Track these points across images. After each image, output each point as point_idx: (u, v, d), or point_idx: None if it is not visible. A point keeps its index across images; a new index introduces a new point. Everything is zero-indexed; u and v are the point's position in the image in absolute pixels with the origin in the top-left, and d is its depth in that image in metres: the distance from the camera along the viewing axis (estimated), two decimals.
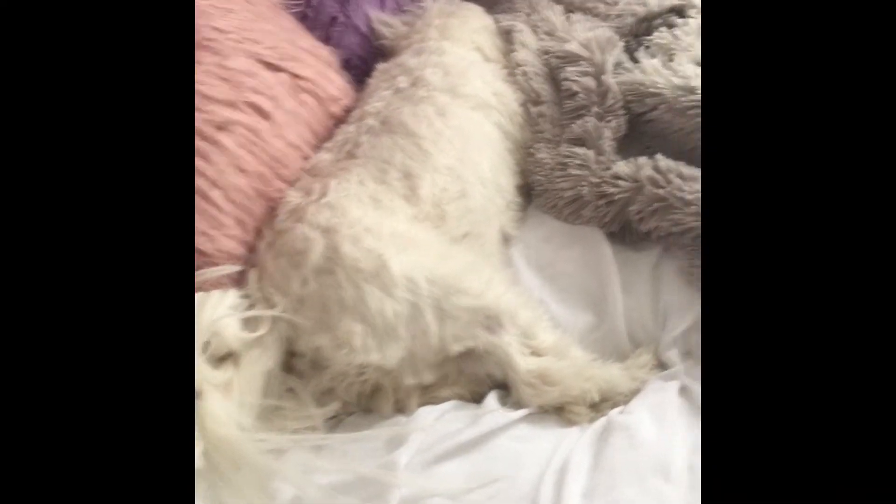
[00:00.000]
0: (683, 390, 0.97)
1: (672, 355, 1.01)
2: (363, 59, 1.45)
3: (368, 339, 0.95)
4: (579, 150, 1.20)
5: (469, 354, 0.99)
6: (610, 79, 1.25)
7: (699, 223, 1.06)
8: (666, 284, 1.08)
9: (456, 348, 0.98)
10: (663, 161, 1.12)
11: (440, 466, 0.88)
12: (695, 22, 1.32)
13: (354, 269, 0.98)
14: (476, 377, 1.01)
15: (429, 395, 0.99)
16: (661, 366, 1.02)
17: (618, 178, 1.14)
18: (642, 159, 1.14)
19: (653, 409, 0.92)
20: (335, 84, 1.30)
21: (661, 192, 1.09)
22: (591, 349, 1.04)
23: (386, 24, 1.46)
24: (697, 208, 1.06)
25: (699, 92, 1.15)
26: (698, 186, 1.07)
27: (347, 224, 1.02)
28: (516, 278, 1.13)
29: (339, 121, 1.27)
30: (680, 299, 1.06)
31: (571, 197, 1.18)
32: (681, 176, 1.09)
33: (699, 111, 1.15)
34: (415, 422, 0.94)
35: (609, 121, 1.22)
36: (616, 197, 1.13)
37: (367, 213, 1.05)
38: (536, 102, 1.30)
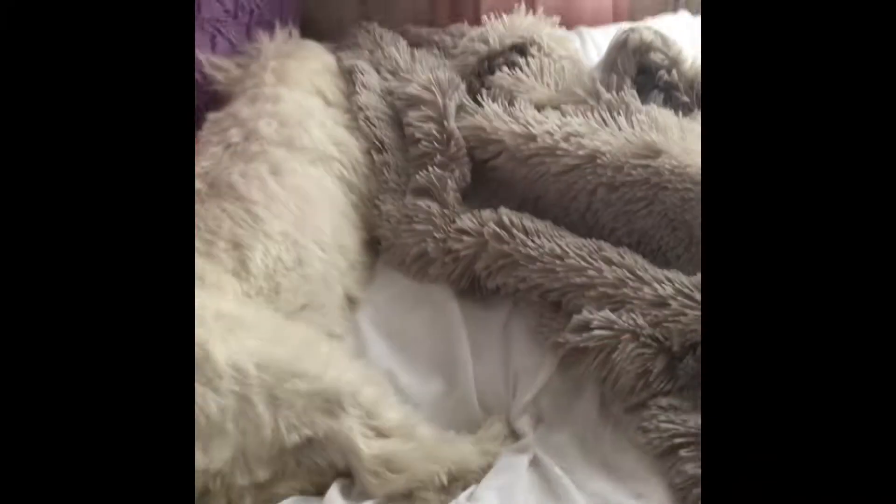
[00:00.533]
0: (534, 462, 0.93)
1: (523, 423, 0.97)
2: (195, 109, 1.34)
3: None
4: (423, 204, 1.14)
5: (308, 444, 0.91)
6: (452, 124, 1.20)
7: (545, 280, 1.03)
8: (516, 346, 1.05)
9: (293, 439, 0.90)
10: (507, 215, 1.08)
11: None
12: (535, 62, 1.29)
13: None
14: (317, 468, 0.93)
15: (265, 493, 0.91)
16: (513, 435, 0.98)
17: (462, 232, 1.09)
18: (486, 213, 1.10)
19: (501, 492, 0.88)
20: None
21: (505, 248, 1.05)
22: (442, 419, 0.99)
23: (217, 67, 1.36)
24: (543, 265, 1.03)
25: (538, 140, 1.12)
26: (543, 241, 1.04)
27: None
28: (363, 347, 1.07)
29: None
30: (530, 362, 1.03)
31: (417, 253, 1.13)
32: (525, 231, 1.06)
33: (541, 159, 1.12)
34: None
35: (453, 170, 1.18)
36: (461, 253, 1.09)
37: None
38: (380, 150, 1.24)
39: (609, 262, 1.01)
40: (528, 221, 1.07)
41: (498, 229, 1.06)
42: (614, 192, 1.07)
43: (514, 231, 1.05)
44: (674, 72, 1.21)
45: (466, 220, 1.10)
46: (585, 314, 0.97)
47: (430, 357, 1.06)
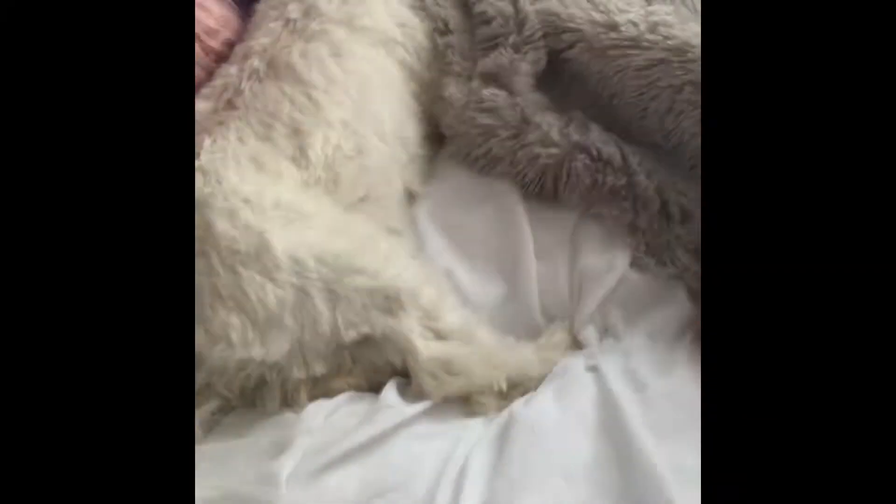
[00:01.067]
0: (592, 369, 0.89)
1: (588, 334, 0.94)
2: None
3: (248, 333, 0.85)
4: (489, 93, 1.06)
5: (365, 341, 0.90)
6: (528, 5, 1.10)
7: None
8: (585, 249, 0.99)
9: (350, 335, 0.88)
10: (597, 145, 1.00)
11: (329, 476, 0.79)
12: None
13: (230, 251, 0.86)
14: (373, 366, 0.91)
15: (320, 387, 0.90)
16: (577, 345, 0.94)
17: (543, 138, 1.01)
18: (571, 130, 1.02)
19: (557, 395, 0.85)
20: (213, 14, 1.12)
21: (597, 179, 0.98)
22: (502, 325, 0.96)
23: None
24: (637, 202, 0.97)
25: (622, 29, 1.02)
26: (636, 178, 0.97)
27: (222, 195, 0.89)
28: (421, 244, 1.02)
29: (221, 58, 1.10)
30: (599, 265, 0.97)
31: (484, 150, 1.06)
32: (614, 168, 0.98)
33: (622, 52, 1.02)
34: (303, 421, 0.85)
35: (526, 52, 1.09)
36: (537, 155, 1.01)
37: (246, 179, 0.92)
38: (444, 32, 1.15)
39: None
40: (619, 154, 0.99)
41: (588, 161, 0.99)
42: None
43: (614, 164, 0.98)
44: None
45: (549, 123, 1.02)
46: None
47: (491, 257, 1.01)
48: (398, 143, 1.05)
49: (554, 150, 1.00)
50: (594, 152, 0.99)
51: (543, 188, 1.03)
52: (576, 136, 1.00)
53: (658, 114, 1.03)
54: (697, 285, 0.92)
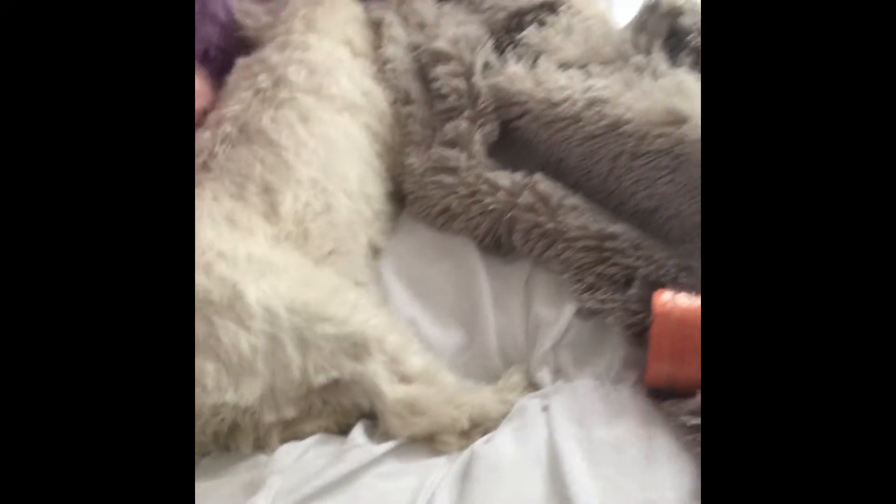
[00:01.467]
0: (546, 409, 0.95)
1: (543, 375, 1.00)
2: (223, 51, 1.34)
3: (223, 378, 0.89)
4: (451, 152, 1.15)
5: (334, 385, 0.95)
6: (480, 81, 1.21)
7: (588, 258, 1.05)
8: (537, 298, 1.07)
9: (320, 380, 0.93)
10: (543, 184, 1.09)
11: None
12: (566, 19, 1.29)
13: (206, 302, 0.91)
14: (342, 408, 0.96)
15: (291, 430, 0.94)
16: (533, 386, 1.01)
17: (494, 186, 1.11)
18: (519, 175, 1.11)
19: (515, 434, 0.91)
20: None
21: (542, 219, 1.07)
22: (463, 370, 1.02)
23: (247, 13, 1.36)
24: (586, 244, 1.04)
25: (562, 107, 1.13)
26: (586, 220, 1.05)
27: (199, 249, 0.94)
28: (386, 296, 1.09)
29: (196, 125, 1.17)
30: (550, 313, 1.05)
31: (442, 207, 1.14)
32: (560, 207, 1.07)
33: (564, 125, 1.13)
34: (274, 462, 0.89)
35: (482, 125, 1.19)
36: (490, 206, 1.10)
37: (221, 235, 0.98)
38: (406, 102, 1.25)
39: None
40: (562, 193, 1.08)
41: (533, 198, 1.07)
42: (637, 160, 1.08)
43: (551, 203, 1.07)
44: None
45: (499, 175, 1.11)
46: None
47: (451, 307, 1.08)
48: (363, 201, 1.13)
49: (502, 196, 1.09)
50: (540, 191, 1.08)
51: (499, 242, 1.11)
52: (524, 181, 1.10)
53: (601, 176, 1.12)
54: (631, 319, 0.99)
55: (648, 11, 1.23)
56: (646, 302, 0.98)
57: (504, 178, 1.11)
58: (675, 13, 1.22)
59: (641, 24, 1.23)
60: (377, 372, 0.94)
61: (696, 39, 1.21)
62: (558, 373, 1.01)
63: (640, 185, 1.09)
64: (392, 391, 0.93)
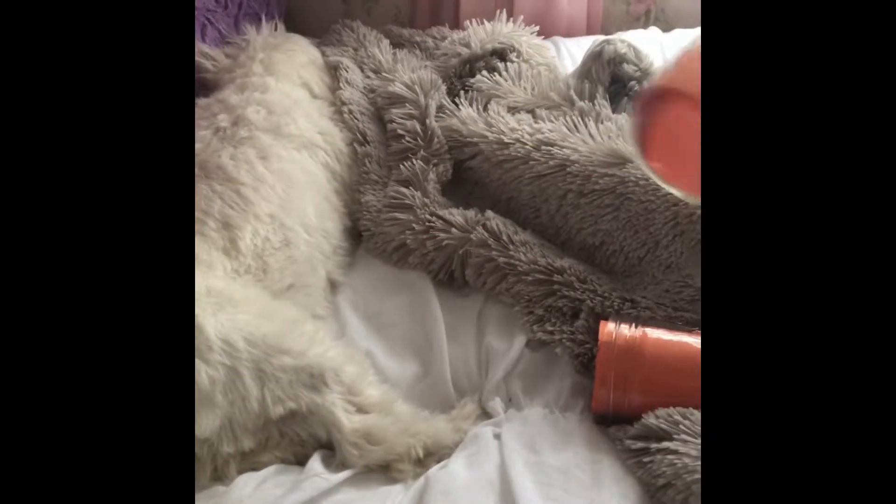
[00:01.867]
0: (498, 436, 0.98)
1: (495, 404, 1.04)
2: None
3: None
4: (406, 191, 1.20)
5: (292, 416, 0.96)
6: (433, 122, 1.26)
7: (536, 291, 1.09)
8: (489, 330, 1.11)
9: (278, 411, 0.95)
10: (494, 221, 1.14)
11: None
12: (514, 67, 1.36)
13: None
14: (299, 439, 0.98)
15: (249, 461, 0.96)
16: (486, 415, 1.04)
17: (447, 223, 1.15)
18: (471, 213, 1.16)
19: (468, 461, 0.94)
20: None
21: (493, 254, 1.11)
22: (418, 400, 1.04)
23: (207, 56, 1.40)
24: (535, 278, 1.09)
25: (512, 148, 1.19)
26: (535, 255, 1.10)
27: None
28: (343, 329, 1.12)
29: None
30: (501, 343, 1.09)
31: (398, 244, 1.18)
32: (511, 241, 1.11)
33: (514, 165, 1.19)
34: (232, 492, 0.90)
35: (436, 164, 1.24)
36: (444, 242, 1.14)
37: None
38: (363, 143, 1.30)
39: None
40: (512, 230, 1.13)
41: (485, 234, 1.12)
42: (583, 198, 1.14)
43: (503, 239, 1.12)
44: (644, 83, 1.29)
45: (452, 213, 1.16)
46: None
47: (407, 340, 1.11)
48: (322, 236, 1.16)
49: (456, 232, 1.13)
50: (491, 228, 1.13)
51: (452, 276, 1.15)
52: (476, 218, 1.15)
53: (549, 214, 1.18)
54: (578, 350, 1.04)
55: (592, 59, 1.31)
56: (592, 332, 1.03)
57: (457, 215, 1.16)
58: (617, 61, 1.30)
59: (586, 72, 1.31)
60: (334, 402, 0.96)
61: (636, 86, 1.29)
62: (510, 402, 1.04)
63: (585, 221, 1.15)
64: (349, 421, 0.96)
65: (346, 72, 1.39)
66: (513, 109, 1.27)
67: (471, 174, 1.24)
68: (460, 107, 1.28)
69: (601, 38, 1.39)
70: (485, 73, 1.35)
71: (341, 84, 1.36)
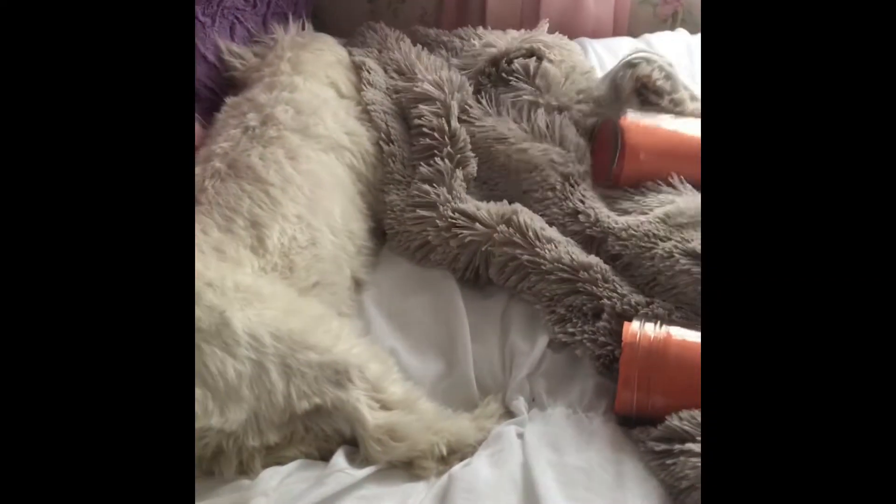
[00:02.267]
0: (521, 436, 0.99)
1: (518, 404, 1.04)
2: (212, 90, 1.40)
3: (209, 403, 0.92)
4: (430, 188, 1.21)
5: (317, 411, 0.97)
6: (455, 123, 1.28)
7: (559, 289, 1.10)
8: (513, 329, 1.11)
9: (303, 406, 0.96)
10: (521, 215, 1.14)
11: None
12: (548, 68, 1.37)
13: (194, 329, 0.94)
14: (324, 434, 0.99)
15: (274, 455, 0.97)
16: (509, 414, 1.04)
17: (470, 217, 1.16)
18: (495, 206, 1.17)
19: (491, 460, 0.94)
20: None
21: (517, 252, 1.12)
22: (441, 399, 1.05)
23: (236, 54, 1.42)
24: (558, 276, 1.10)
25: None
26: (560, 252, 1.11)
27: None
28: (367, 327, 1.13)
29: None
30: (524, 343, 1.09)
31: (421, 241, 1.19)
32: (538, 238, 1.12)
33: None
34: (258, 486, 0.92)
35: (462, 163, 1.25)
36: (467, 239, 1.15)
37: (209, 265, 1.01)
38: (388, 142, 1.31)
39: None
40: (539, 225, 1.14)
41: (510, 231, 1.13)
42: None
43: (529, 235, 1.12)
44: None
45: (479, 207, 1.17)
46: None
47: (431, 339, 1.12)
48: (347, 236, 1.17)
49: (480, 228, 1.14)
50: (519, 222, 1.13)
51: (477, 274, 1.16)
52: (501, 211, 1.16)
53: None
54: (599, 351, 1.04)
55: (624, 69, 1.32)
56: (613, 334, 1.03)
57: (483, 209, 1.16)
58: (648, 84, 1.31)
59: (613, 79, 1.32)
60: (359, 399, 0.97)
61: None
62: (533, 401, 1.05)
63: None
64: (373, 417, 0.97)
65: (370, 73, 1.40)
66: (555, 109, 1.30)
67: (498, 169, 1.27)
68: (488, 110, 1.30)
69: (637, 46, 1.40)
70: (523, 84, 1.35)
71: (364, 85, 1.37)
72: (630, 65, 1.30)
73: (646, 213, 1.14)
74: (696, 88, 1.37)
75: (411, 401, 1.01)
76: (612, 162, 1.22)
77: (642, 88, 1.29)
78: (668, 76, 1.31)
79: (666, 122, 1.25)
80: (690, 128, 1.24)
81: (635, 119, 1.24)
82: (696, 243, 1.08)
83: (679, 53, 1.55)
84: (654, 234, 1.11)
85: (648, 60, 1.31)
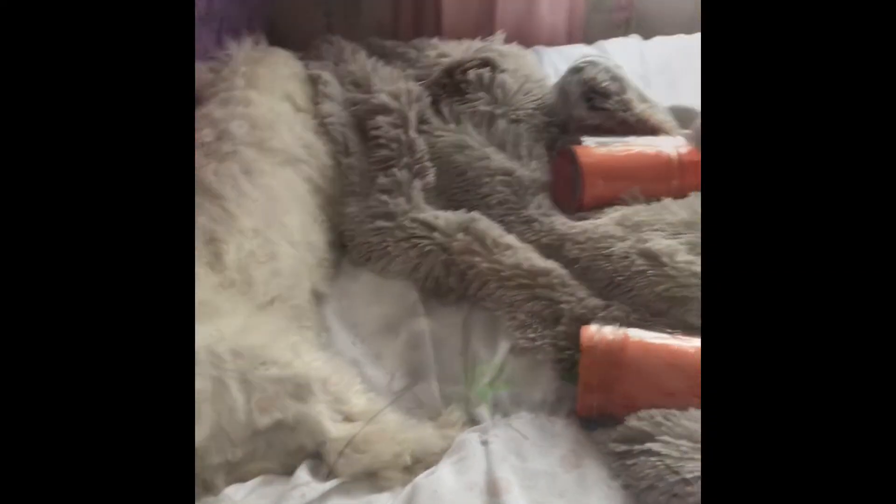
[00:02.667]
0: (484, 443, 0.99)
1: (481, 410, 1.04)
2: None
3: None
4: (388, 199, 1.21)
5: (279, 426, 0.97)
6: (413, 133, 1.28)
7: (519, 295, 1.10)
8: (474, 336, 1.12)
9: (265, 421, 0.95)
10: (480, 221, 1.15)
11: None
12: (501, 77, 1.38)
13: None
14: (287, 449, 0.98)
15: (237, 472, 0.96)
16: (472, 421, 1.05)
17: (431, 228, 1.17)
18: (452, 214, 1.17)
19: (455, 467, 0.95)
20: None
21: (475, 259, 1.13)
22: (404, 408, 1.05)
23: None
24: (516, 283, 1.11)
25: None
26: (513, 258, 1.12)
27: None
28: (329, 339, 1.13)
29: None
30: (486, 350, 1.10)
31: (381, 252, 1.19)
32: (497, 245, 1.13)
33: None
34: (221, 502, 0.91)
35: (420, 172, 1.26)
36: (427, 248, 1.16)
37: None
38: (346, 154, 1.31)
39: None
40: (498, 233, 1.15)
41: (469, 238, 1.14)
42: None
43: (487, 243, 1.13)
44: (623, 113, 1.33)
45: (437, 216, 1.17)
46: None
47: (392, 349, 1.12)
48: (306, 249, 1.17)
49: (438, 236, 1.15)
50: (477, 230, 1.14)
51: (438, 283, 1.16)
52: (459, 220, 1.17)
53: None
54: (560, 355, 1.05)
55: (571, 74, 1.34)
56: (573, 338, 1.04)
57: (440, 218, 1.17)
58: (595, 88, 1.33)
59: (562, 87, 1.34)
60: (321, 412, 0.97)
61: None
62: (496, 408, 1.05)
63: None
64: (335, 430, 0.96)
65: (326, 86, 1.40)
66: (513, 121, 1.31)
67: (456, 178, 1.27)
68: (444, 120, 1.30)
69: (590, 53, 1.42)
70: (481, 94, 1.36)
71: (320, 98, 1.38)
72: (576, 70, 1.32)
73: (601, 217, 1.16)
74: (648, 92, 1.40)
75: (374, 411, 1.00)
76: (575, 192, 1.23)
77: (590, 92, 1.31)
78: (615, 78, 1.33)
79: (617, 146, 1.28)
80: (641, 143, 1.27)
81: (589, 148, 1.26)
82: (651, 243, 1.10)
83: (632, 58, 1.57)
84: (612, 235, 1.13)
85: (594, 63, 1.33)
